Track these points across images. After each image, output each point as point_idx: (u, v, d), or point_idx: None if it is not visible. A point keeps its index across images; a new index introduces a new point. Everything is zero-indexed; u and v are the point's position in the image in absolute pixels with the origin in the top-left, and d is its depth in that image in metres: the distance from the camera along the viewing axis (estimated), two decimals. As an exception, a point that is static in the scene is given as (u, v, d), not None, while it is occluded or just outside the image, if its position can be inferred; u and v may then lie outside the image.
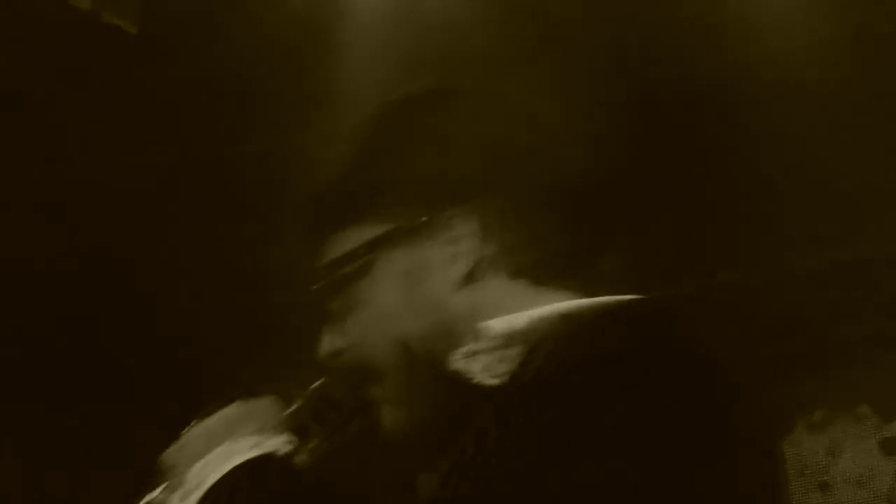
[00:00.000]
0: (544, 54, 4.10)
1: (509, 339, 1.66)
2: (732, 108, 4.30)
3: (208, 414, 1.80)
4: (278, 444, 1.75)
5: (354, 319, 1.77)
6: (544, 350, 1.61)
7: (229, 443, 1.74)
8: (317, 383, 1.81)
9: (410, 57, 3.97)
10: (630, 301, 1.67)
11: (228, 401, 1.80)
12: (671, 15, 4.08)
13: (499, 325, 1.68)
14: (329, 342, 1.77)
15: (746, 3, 4.03)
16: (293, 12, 3.94)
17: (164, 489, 1.73)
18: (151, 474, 1.77)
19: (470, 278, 1.72)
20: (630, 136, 4.20)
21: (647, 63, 4.22)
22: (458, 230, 1.72)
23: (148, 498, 1.73)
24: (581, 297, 1.70)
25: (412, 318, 1.72)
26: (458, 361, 1.68)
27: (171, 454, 1.77)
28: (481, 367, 1.66)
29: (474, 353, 1.67)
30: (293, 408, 1.80)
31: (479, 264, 1.72)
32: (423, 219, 1.71)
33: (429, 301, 1.73)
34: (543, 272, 1.72)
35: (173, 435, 1.80)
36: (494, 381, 1.63)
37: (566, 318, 1.67)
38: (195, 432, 1.78)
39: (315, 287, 1.79)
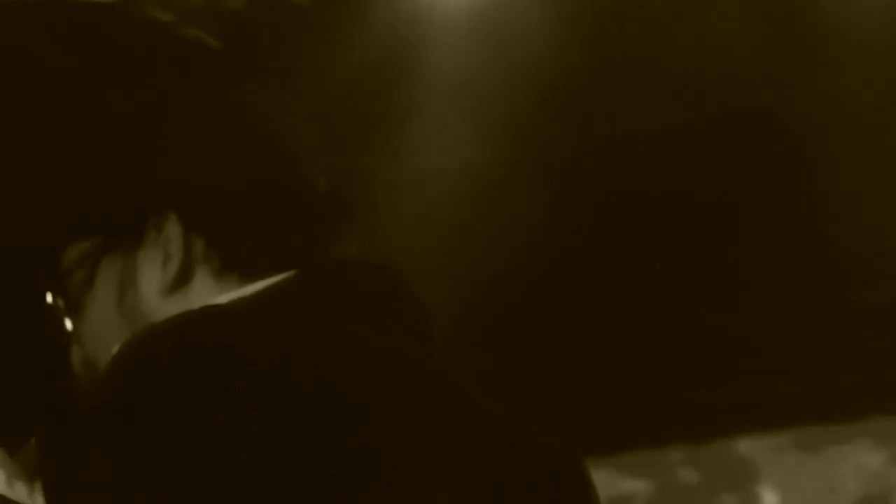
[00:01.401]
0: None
1: None
2: (795, 141, 4.30)
3: None
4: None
5: (85, 332, 1.73)
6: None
7: None
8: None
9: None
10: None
11: None
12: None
13: None
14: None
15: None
16: (374, 35, 3.95)
17: None
18: None
19: (179, 281, 1.67)
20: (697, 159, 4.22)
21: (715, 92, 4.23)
22: (166, 232, 1.68)
23: None
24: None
25: (126, 328, 1.67)
26: None
27: None
28: None
29: None
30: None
31: (187, 266, 1.67)
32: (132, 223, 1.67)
33: (139, 308, 1.68)
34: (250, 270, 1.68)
35: None
36: None
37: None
38: None
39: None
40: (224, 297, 1.66)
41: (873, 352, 4.71)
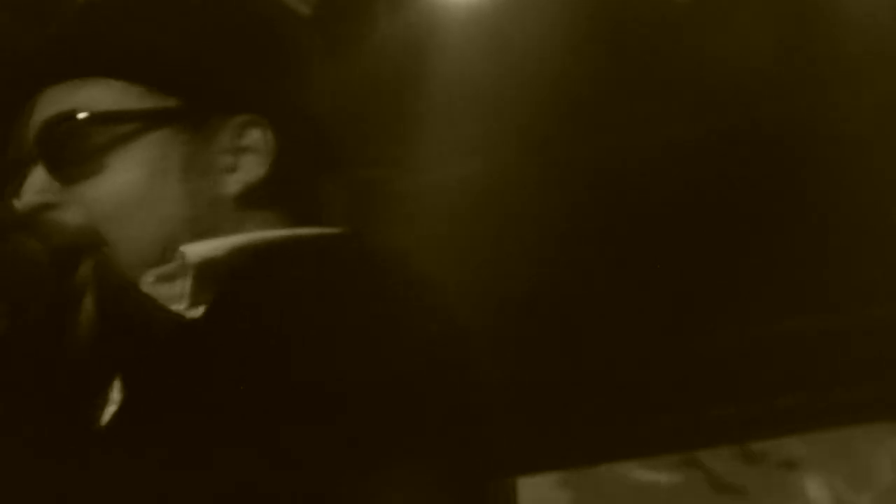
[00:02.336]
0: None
1: (199, 267, 1.59)
2: (801, 153, 4.28)
3: None
4: None
5: (90, 186, 1.67)
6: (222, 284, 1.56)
7: None
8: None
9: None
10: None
11: None
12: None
13: (198, 249, 1.61)
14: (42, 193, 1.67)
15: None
16: (383, 46, 3.93)
17: None
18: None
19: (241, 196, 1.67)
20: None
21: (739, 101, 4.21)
22: (247, 141, 1.68)
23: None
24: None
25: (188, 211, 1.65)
26: (148, 282, 1.61)
27: None
28: (164, 293, 1.59)
29: (163, 277, 1.60)
30: None
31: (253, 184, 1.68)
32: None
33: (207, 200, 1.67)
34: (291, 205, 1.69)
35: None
36: (174, 311, 1.57)
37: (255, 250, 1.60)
38: None
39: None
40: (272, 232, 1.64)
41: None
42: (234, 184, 1.69)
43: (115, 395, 1.58)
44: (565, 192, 4.42)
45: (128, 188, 1.66)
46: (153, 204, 1.66)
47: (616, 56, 4.01)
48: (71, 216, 1.66)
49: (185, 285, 1.59)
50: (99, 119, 1.67)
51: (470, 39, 3.93)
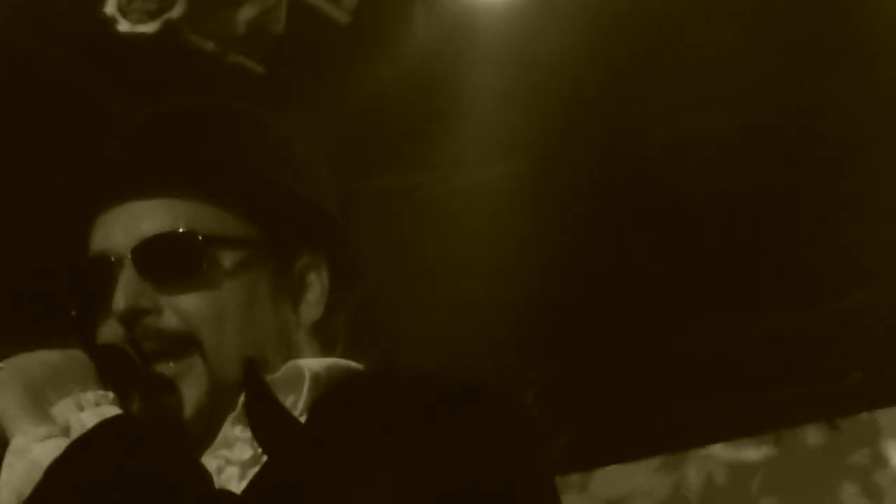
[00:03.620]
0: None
1: (313, 380, 1.82)
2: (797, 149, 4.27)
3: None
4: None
5: (189, 297, 1.82)
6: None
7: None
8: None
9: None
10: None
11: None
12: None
13: (311, 364, 1.84)
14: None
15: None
16: (419, 55, 3.96)
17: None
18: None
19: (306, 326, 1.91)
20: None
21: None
22: (311, 280, 1.91)
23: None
24: None
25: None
26: None
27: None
28: None
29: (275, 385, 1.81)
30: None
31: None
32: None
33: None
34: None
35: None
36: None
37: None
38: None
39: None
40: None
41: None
42: (303, 315, 1.91)
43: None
44: (602, 187, 4.43)
45: (230, 305, 1.84)
46: (250, 324, 1.85)
47: (644, 50, 4.02)
48: (166, 321, 1.81)
49: (298, 394, 1.80)
50: (204, 240, 1.84)
51: (504, 41, 3.95)
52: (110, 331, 1.82)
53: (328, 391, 1.80)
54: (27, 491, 1.58)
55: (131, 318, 1.81)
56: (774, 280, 4.64)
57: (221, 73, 3.97)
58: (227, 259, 1.86)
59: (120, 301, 1.81)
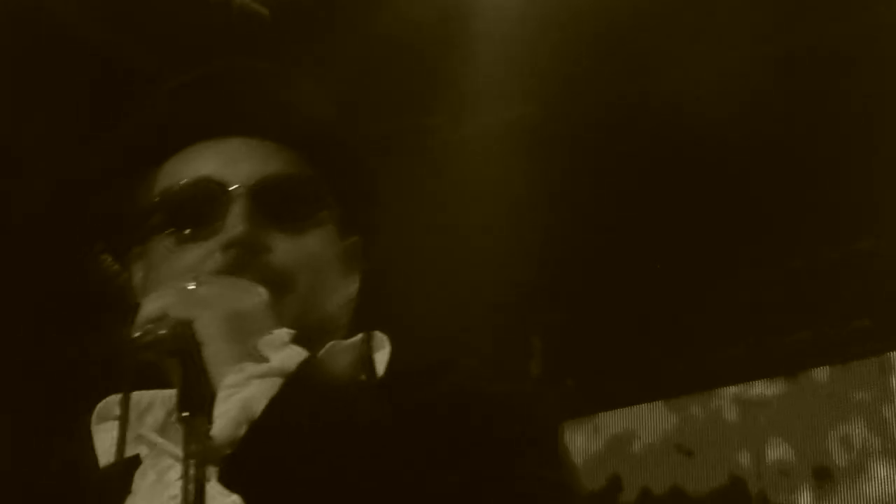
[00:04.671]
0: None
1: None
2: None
3: None
4: None
5: (291, 242, 1.85)
6: None
7: None
8: None
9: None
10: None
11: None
12: None
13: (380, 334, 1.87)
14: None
15: None
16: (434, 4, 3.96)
17: None
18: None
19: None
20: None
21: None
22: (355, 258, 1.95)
23: None
24: None
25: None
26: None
27: None
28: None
29: (343, 349, 1.84)
30: None
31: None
32: None
33: None
34: None
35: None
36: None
37: None
38: None
39: None
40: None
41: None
42: (350, 288, 1.96)
43: None
44: (609, 132, 4.43)
45: (325, 258, 1.89)
46: (333, 283, 1.91)
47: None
48: (273, 259, 1.83)
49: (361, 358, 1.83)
50: (316, 190, 1.90)
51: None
52: (206, 255, 1.83)
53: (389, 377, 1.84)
54: (242, 426, 1.60)
55: (245, 246, 1.82)
56: (782, 225, 4.64)
57: (228, 17, 3.97)
58: (320, 219, 1.91)
59: (238, 226, 1.82)
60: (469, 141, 4.42)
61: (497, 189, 4.37)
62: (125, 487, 1.81)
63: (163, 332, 1.63)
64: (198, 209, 1.85)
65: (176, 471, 1.79)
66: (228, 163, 1.87)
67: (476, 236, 4.51)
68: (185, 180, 1.87)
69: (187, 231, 1.84)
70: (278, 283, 1.80)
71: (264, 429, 1.57)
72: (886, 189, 4.47)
